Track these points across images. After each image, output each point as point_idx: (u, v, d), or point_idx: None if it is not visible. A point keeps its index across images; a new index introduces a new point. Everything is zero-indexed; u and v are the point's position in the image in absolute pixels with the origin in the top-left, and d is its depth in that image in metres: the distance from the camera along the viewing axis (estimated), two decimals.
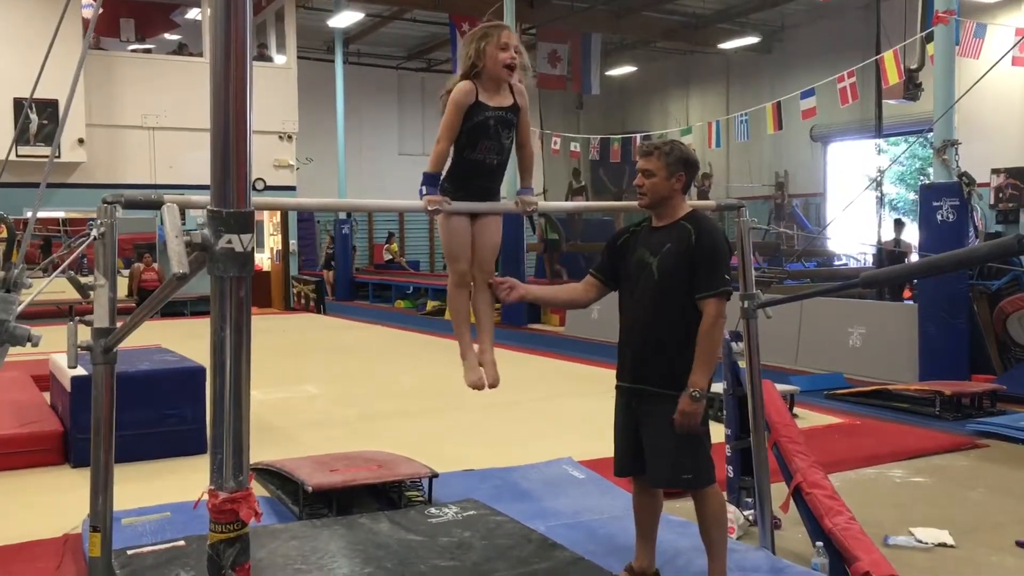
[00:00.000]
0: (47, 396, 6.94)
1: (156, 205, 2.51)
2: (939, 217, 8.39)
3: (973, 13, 13.50)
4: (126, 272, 16.28)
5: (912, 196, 22.32)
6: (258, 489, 4.93)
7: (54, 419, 6.09)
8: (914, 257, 12.47)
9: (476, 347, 3.52)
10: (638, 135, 16.60)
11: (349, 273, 21.22)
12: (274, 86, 16.99)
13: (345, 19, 18.98)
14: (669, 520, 4.11)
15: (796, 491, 4.04)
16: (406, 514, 4.34)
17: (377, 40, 22.87)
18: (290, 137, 17.65)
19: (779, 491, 4.11)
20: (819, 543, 3.82)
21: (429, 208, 3.21)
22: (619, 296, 3.56)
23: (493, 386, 3.48)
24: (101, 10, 16.92)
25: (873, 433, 6.67)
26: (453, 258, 3.44)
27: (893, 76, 10.54)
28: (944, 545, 4.28)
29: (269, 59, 18.07)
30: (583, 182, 22.08)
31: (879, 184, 12.32)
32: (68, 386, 5.67)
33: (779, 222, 19.33)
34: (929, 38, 9.61)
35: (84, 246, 2.55)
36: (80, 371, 5.12)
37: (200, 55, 16.90)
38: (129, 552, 3.71)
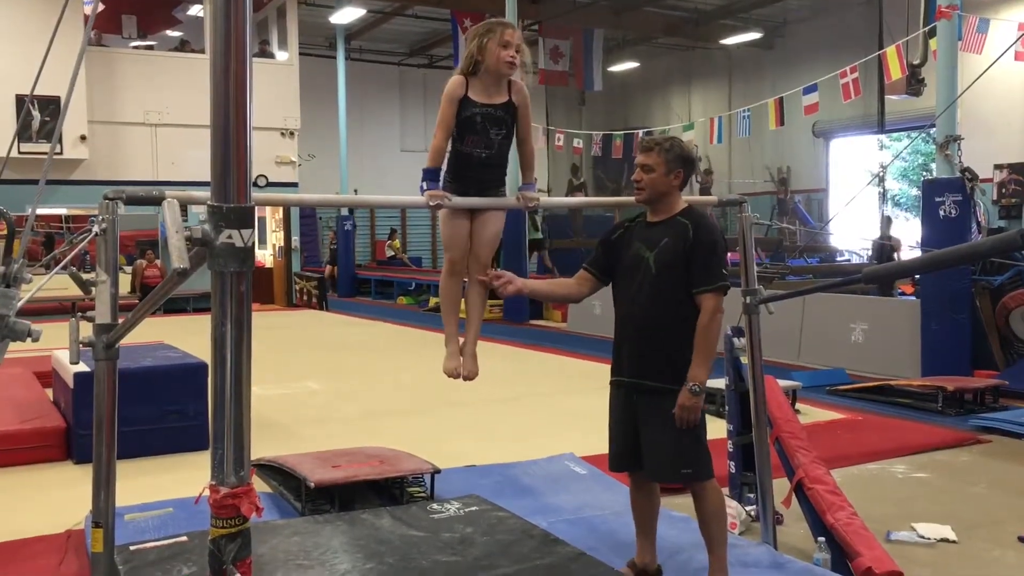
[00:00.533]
0: (50, 392, 6.95)
1: (157, 201, 2.50)
2: (942, 213, 8.38)
3: (976, 8, 13.47)
4: (128, 269, 16.30)
5: (915, 192, 22.31)
6: (260, 485, 4.93)
7: (56, 415, 6.10)
8: (904, 253, 12.46)
9: (461, 339, 3.59)
10: (640, 131, 16.58)
11: (351, 269, 21.24)
12: (276, 82, 16.98)
13: (347, 15, 18.98)
14: (670, 516, 4.12)
15: (798, 486, 4.04)
16: (408, 510, 4.34)
17: (379, 36, 22.87)
18: (292, 133, 17.64)
19: (781, 486, 4.12)
20: (821, 538, 3.82)
21: (431, 203, 3.25)
22: (614, 291, 3.57)
23: (468, 378, 3.56)
24: (102, 6, 16.91)
25: (875, 429, 6.66)
26: (448, 246, 3.52)
27: (896, 71, 10.53)
28: (946, 541, 4.28)
29: (271, 55, 18.06)
30: (582, 178, 22.07)
31: (881, 180, 12.30)
32: (71, 382, 5.67)
33: (782, 218, 19.31)
34: (932, 33, 9.60)
35: (86, 242, 2.55)
36: (82, 367, 5.12)
37: (202, 51, 16.89)
38: (132, 548, 3.72)
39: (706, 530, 3.45)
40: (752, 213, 4.06)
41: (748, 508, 4.42)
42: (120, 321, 2.56)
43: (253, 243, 1.80)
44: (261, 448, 5.07)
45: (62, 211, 16.42)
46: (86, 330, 2.60)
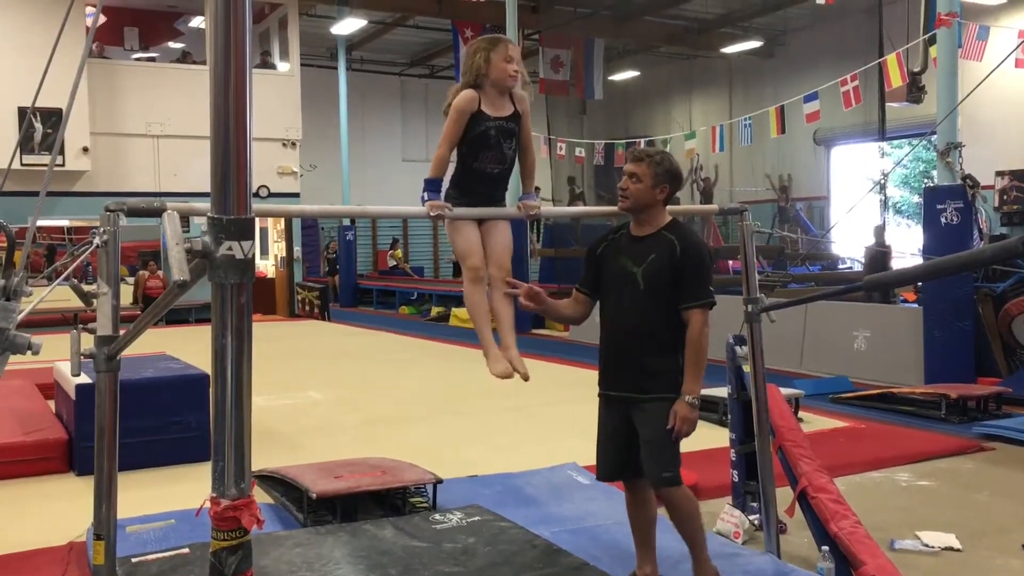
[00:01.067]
0: (52, 404, 6.95)
1: (158, 213, 2.51)
2: (943, 220, 8.38)
3: (975, 16, 13.49)
4: (131, 280, 16.31)
5: (916, 199, 22.29)
6: (262, 496, 4.93)
7: (59, 427, 6.10)
8: (896, 262, 12.44)
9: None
10: (642, 140, 16.60)
11: (353, 279, 21.25)
12: (277, 93, 17.01)
13: (348, 26, 19.03)
14: (671, 525, 4.10)
15: (801, 495, 4.03)
16: (410, 520, 4.33)
17: (380, 47, 22.93)
18: (294, 144, 17.67)
19: (784, 495, 4.10)
20: (824, 547, 3.81)
21: (431, 213, 3.27)
22: (600, 304, 3.58)
23: (526, 377, 3.51)
24: (104, 19, 16.97)
25: (878, 437, 6.65)
26: (464, 255, 3.50)
27: (896, 79, 10.54)
28: (950, 549, 4.27)
29: (272, 66, 18.10)
30: (580, 188, 22.09)
31: (883, 187, 12.31)
32: (72, 394, 5.67)
33: (783, 225, 19.31)
34: (932, 41, 9.61)
35: (87, 254, 2.56)
36: (84, 379, 5.12)
37: (204, 63, 16.94)
38: (133, 560, 3.72)
39: (685, 529, 3.48)
40: (753, 221, 4.05)
41: (751, 517, 4.40)
42: (121, 333, 2.56)
43: (253, 255, 1.80)
44: (263, 458, 5.08)
45: (64, 222, 16.44)
46: (88, 342, 2.60)
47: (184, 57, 17.88)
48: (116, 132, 16.07)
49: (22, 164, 13.47)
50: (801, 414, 6.91)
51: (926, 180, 20.58)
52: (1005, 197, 16.02)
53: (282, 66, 18.13)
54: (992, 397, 7.41)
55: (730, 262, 15.12)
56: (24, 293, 1.77)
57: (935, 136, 8.75)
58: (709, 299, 3.36)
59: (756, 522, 4.34)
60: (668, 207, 3.52)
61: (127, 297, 15.49)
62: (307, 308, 17.89)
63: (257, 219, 1.92)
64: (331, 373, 10.40)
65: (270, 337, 13.58)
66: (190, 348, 7.77)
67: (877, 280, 4.59)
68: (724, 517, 4.40)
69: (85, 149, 15.39)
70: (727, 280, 12.12)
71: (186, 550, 3.80)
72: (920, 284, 9.53)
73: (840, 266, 18.00)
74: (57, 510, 4.93)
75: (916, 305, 10.00)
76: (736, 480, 4.53)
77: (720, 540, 4.16)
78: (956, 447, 6.29)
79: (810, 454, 4.23)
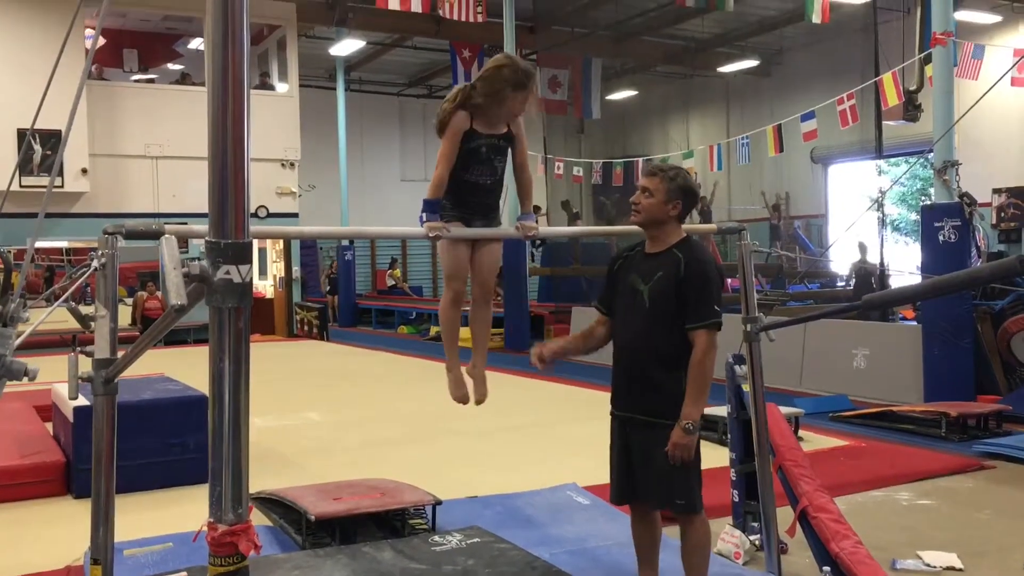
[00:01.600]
0: (50, 426, 6.92)
1: (156, 235, 2.51)
2: (941, 238, 8.39)
3: (971, 34, 13.57)
4: (130, 300, 16.30)
5: (914, 216, 22.34)
6: (260, 518, 4.90)
7: (56, 450, 6.07)
8: (894, 280, 12.44)
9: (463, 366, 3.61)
10: (640, 159, 16.65)
11: (352, 299, 21.25)
12: (276, 114, 17.07)
13: (346, 47, 19.12)
14: (674, 546, 4.08)
15: (802, 515, 4.01)
16: (410, 542, 4.31)
17: (378, 67, 23.04)
18: (292, 164, 17.72)
19: (785, 515, 4.09)
20: (826, 568, 3.79)
21: (430, 234, 3.28)
22: (612, 321, 3.55)
23: (479, 401, 3.55)
24: (104, 41, 17.06)
25: (879, 455, 6.63)
26: (450, 276, 3.54)
27: (892, 98, 10.60)
28: (952, 569, 4.25)
29: (271, 87, 18.18)
30: (576, 209, 22.14)
31: (880, 205, 12.33)
32: (70, 416, 5.65)
33: (777, 243, 19.36)
34: (927, 60, 9.66)
35: (85, 277, 2.56)
36: (82, 401, 5.11)
37: (203, 84, 16.99)
38: None
39: (688, 560, 3.45)
40: (752, 240, 4.06)
41: (752, 537, 4.38)
42: (120, 355, 2.56)
43: (251, 278, 1.80)
44: (262, 480, 5.06)
45: (63, 244, 16.44)
46: (86, 365, 2.59)
47: (183, 79, 17.96)
48: (115, 153, 16.10)
49: (21, 186, 13.50)
50: (801, 433, 6.89)
51: (923, 198, 20.64)
52: (1003, 214, 16.06)
53: (281, 87, 18.21)
54: (992, 415, 7.39)
55: (728, 280, 15.13)
56: (21, 318, 1.76)
57: (932, 154, 8.78)
58: (714, 319, 3.27)
59: (757, 542, 4.32)
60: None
61: (125, 318, 15.47)
62: (306, 328, 17.88)
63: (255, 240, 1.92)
64: (330, 393, 10.38)
65: (269, 357, 13.56)
66: (189, 369, 7.75)
67: (876, 299, 4.59)
68: (725, 537, 4.38)
69: (84, 170, 15.42)
70: (726, 299, 12.10)
71: (184, 574, 3.78)
72: (919, 302, 9.53)
73: (839, 284, 18.02)
74: (54, 534, 4.90)
75: (915, 323, 10.00)
76: (736, 500, 4.52)
77: (721, 560, 4.14)
78: (957, 465, 6.27)
79: (810, 473, 4.22)
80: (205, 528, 1.82)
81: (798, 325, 8.89)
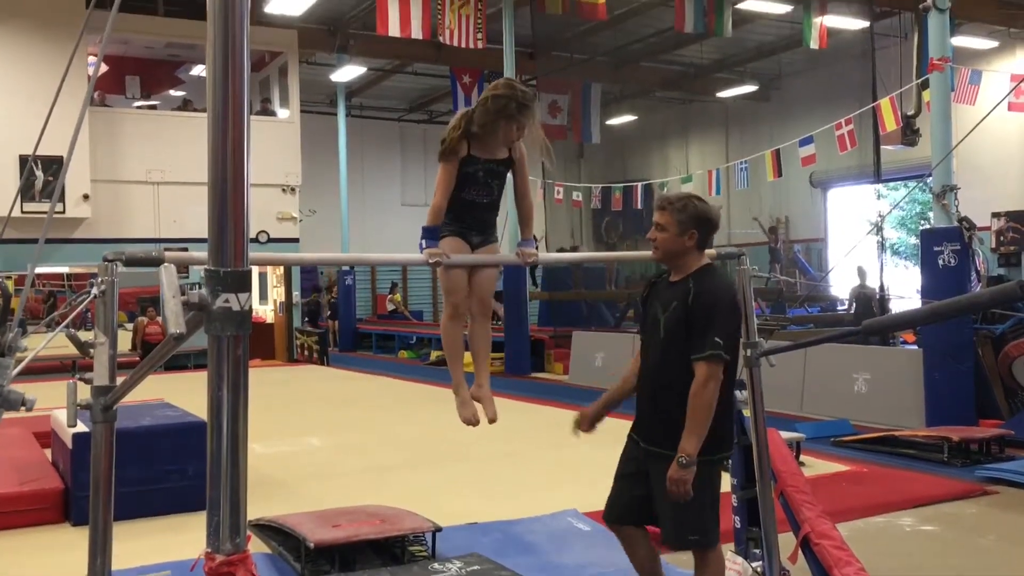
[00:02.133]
0: (49, 453, 6.90)
1: (157, 262, 2.51)
2: (941, 262, 8.40)
3: (968, 60, 13.66)
4: (130, 325, 16.28)
5: (913, 240, 22.38)
6: (259, 545, 4.88)
7: (55, 477, 6.05)
8: (894, 304, 12.45)
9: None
10: (639, 183, 16.71)
11: (352, 324, 21.24)
12: (277, 139, 17.15)
13: (347, 73, 19.25)
14: (678, 572, 4.06)
15: (804, 541, 3.99)
16: (409, 569, 4.28)
17: (379, 93, 23.17)
18: (293, 190, 17.77)
19: (787, 541, 4.06)
20: None
21: (430, 261, 3.27)
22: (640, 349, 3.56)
23: (492, 420, 3.49)
24: (107, 68, 17.16)
25: (881, 481, 6.60)
26: (449, 292, 3.52)
27: (890, 122, 10.65)
28: None
29: (273, 113, 18.27)
30: (575, 243, 22.23)
31: (880, 229, 12.37)
32: (69, 443, 5.64)
33: (775, 266, 19.39)
34: (925, 85, 9.72)
35: (84, 304, 2.56)
36: (81, 427, 5.09)
37: (204, 111, 17.07)
38: None
39: None
40: (752, 265, 4.06)
41: (754, 564, 4.35)
42: (119, 381, 2.55)
43: (250, 306, 1.79)
44: (260, 507, 5.04)
45: (64, 269, 16.44)
46: (85, 391, 2.59)
47: (185, 105, 18.05)
48: (117, 179, 16.15)
49: (23, 212, 13.53)
50: (803, 458, 6.86)
51: (923, 222, 20.70)
52: (1002, 238, 16.09)
53: (282, 113, 18.30)
54: (994, 440, 7.37)
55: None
56: (18, 348, 1.76)
57: (931, 179, 8.81)
58: (713, 351, 3.16)
59: (759, 569, 4.28)
60: None
61: (126, 343, 15.45)
62: (306, 353, 17.86)
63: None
64: (330, 419, 10.35)
65: (269, 382, 13.53)
66: (189, 395, 7.73)
67: (876, 324, 4.58)
68: (727, 564, 4.34)
69: (86, 196, 15.45)
70: None
71: (167, 573, 3.75)
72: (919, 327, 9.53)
73: (839, 308, 18.01)
74: (52, 561, 4.88)
75: (916, 347, 9.99)
76: (738, 526, 4.49)
77: None
78: (960, 491, 6.25)
79: (812, 499, 4.19)
80: (202, 557, 1.81)
81: (799, 350, 8.89)
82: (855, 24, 15.74)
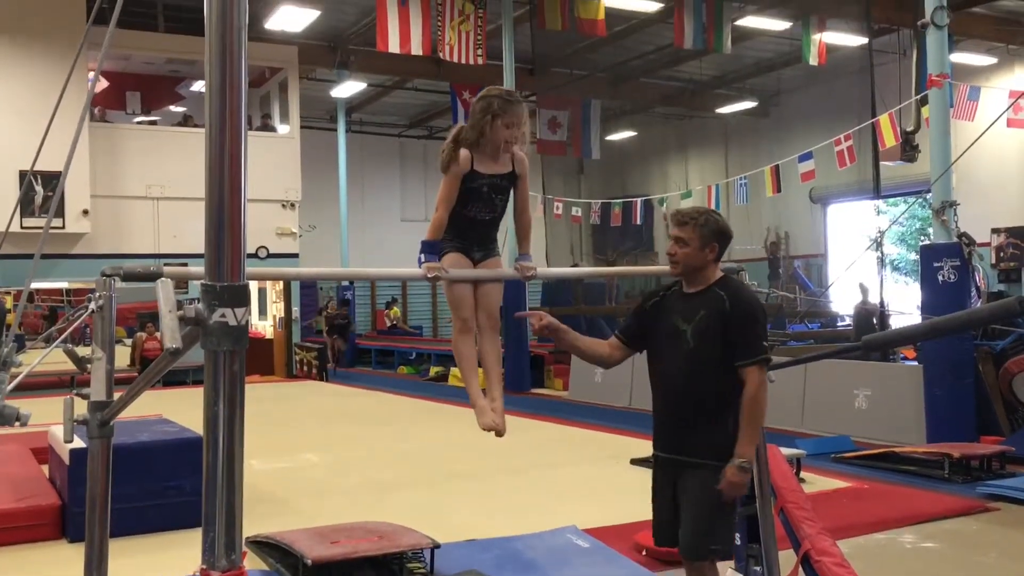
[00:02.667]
0: (46, 469, 6.87)
1: (154, 277, 2.51)
2: (940, 278, 8.39)
3: (966, 76, 13.71)
4: (129, 341, 16.26)
5: (913, 256, 22.40)
6: (257, 562, 4.85)
7: (52, 493, 6.02)
8: (895, 320, 12.46)
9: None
10: (639, 199, 16.73)
11: (351, 339, 21.19)
12: (278, 155, 17.19)
13: (348, 89, 19.32)
14: None
15: (805, 559, 3.97)
16: None
17: (379, 109, 23.25)
18: (293, 205, 17.80)
19: (787, 558, 4.04)
20: None
21: (428, 276, 3.27)
22: (649, 363, 3.52)
23: (501, 433, 3.46)
24: (107, 84, 17.22)
25: (882, 497, 6.57)
26: (455, 306, 3.51)
27: (889, 138, 10.66)
28: None
29: (273, 129, 18.32)
30: (573, 256, 22.23)
31: (880, 245, 12.40)
32: (66, 459, 5.61)
33: (774, 281, 19.40)
34: (924, 101, 9.74)
35: (81, 320, 2.55)
36: (78, 443, 5.07)
37: (203, 126, 17.12)
38: None
39: None
40: (752, 280, 4.05)
41: None
42: (117, 396, 2.54)
43: (247, 321, 1.79)
44: (258, 523, 5.01)
45: (63, 284, 16.43)
46: (82, 407, 2.58)
47: (186, 120, 18.10)
48: (116, 195, 16.17)
49: (22, 227, 13.54)
50: (803, 474, 6.84)
51: (922, 238, 20.72)
52: (1002, 254, 16.11)
53: (282, 128, 18.36)
54: (995, 456, 7.34)
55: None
56: (13, 364, 1.76)
57: (930, 194, 8.81)
58: (765, 355, 3.26)
59: None
60: None
61: (124, 358, 15.42)
62: (305, 368, 17.83)
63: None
64: (328, 434, 10.32)
65: (268, 398, 13.51)
66: (188, 410, 7.70)
67: (876, 340, 4.57)
68: None
69: (85, 212, 15.48)
70: None
71: None
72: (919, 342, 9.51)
73: (839, 323, 18.01)
74: None
75: (916, 363, 9.97)
76: (738, 543, 4.45)
77: None
78: (960, 508, 6.22)
79: (812, 516, 4.17)
80: (198, 574, 1.80)
81: (799, 366, 8.88)
82: (854, 41, 15.80)
